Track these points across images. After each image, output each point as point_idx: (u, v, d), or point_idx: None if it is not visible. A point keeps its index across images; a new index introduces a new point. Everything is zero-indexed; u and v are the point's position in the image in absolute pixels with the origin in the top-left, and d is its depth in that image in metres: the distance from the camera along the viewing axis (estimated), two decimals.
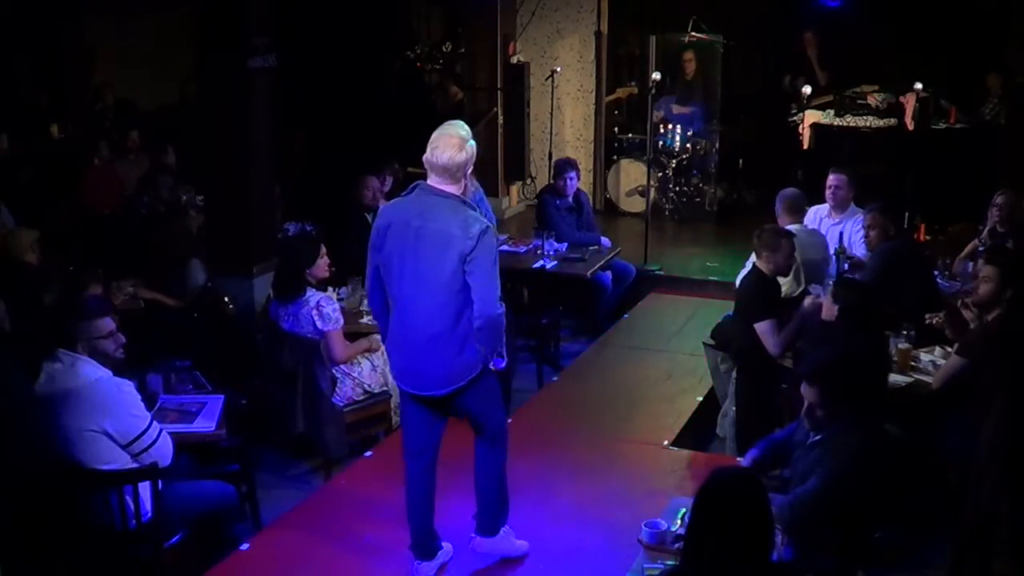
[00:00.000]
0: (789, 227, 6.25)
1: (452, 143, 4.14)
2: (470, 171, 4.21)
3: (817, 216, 7.08)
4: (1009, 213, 6.74)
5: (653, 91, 9.48)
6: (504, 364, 4.36)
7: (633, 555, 4.02)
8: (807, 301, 5.70)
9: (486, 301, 4.09)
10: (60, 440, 4.32)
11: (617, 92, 11.64)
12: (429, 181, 4.18)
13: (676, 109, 11.03)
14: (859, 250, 6.76)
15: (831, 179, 7.10)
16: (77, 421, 4.30)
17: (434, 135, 4.19)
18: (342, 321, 5.94)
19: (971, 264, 6.55)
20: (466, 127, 4.27)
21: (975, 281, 5.44)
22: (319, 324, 5.79)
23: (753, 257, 5.90)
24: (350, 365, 5.95)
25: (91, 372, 4.39)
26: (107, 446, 4.34)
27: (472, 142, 4.19)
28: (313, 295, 5.83)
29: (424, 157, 4.17)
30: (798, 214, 6.65)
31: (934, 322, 5.69)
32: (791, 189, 6.84)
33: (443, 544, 4.55)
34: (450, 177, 4.14)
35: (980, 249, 6.71)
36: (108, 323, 4.56)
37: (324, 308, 5.81)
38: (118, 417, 4.35)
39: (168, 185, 8.20)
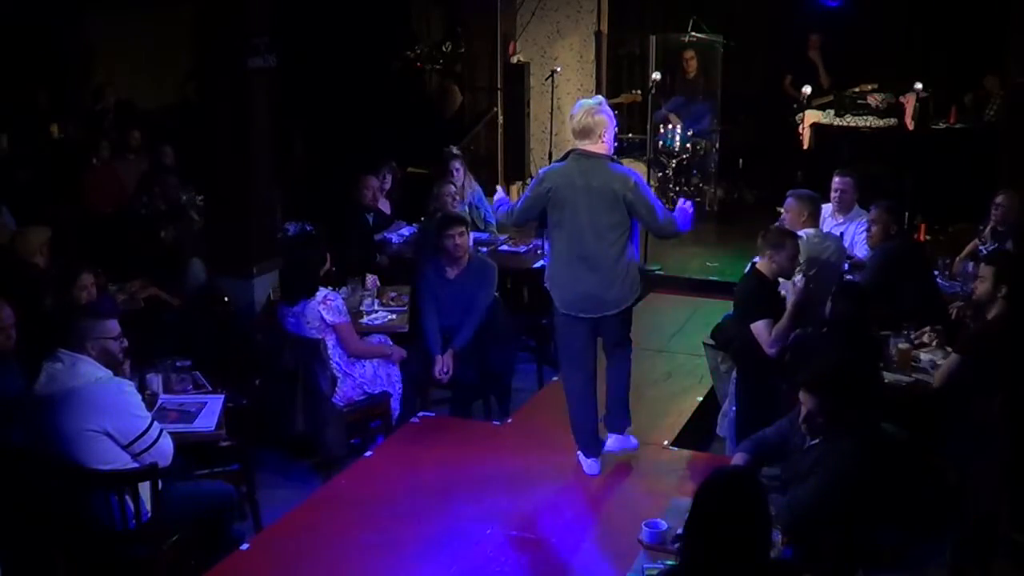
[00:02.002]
0: (802, 231, 6.21)
1: (583, 109, 5.01)
2: (611, 134, 5.03)
3: (821, 217, 7.06)
4: (1009, 213, 6.74)
5: (653, 91, 9.48)
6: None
7: (633, 555, 4.02)
8: (796, 285, 5.60)
9: (655, 220, 5.04)
10: (60, 440, 4.32)
11: (620, 97, 11.60)
12: (578, 146, 5.04)
13: (683, 108, 11.04)
14: (860, 251, 6.75)
15: (837, 182, 7.07)
16: (77, 421, 4.30)
17: (573, 107, 5.12)
18: (349, 316, 5.97)
19: (971, 264, 6.56)
20: (601, 98, 5.17)
21: (975, 282, 5.45)
22: (328, 317, 5.81)
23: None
24: (352, 365, 5.96)
25: (92, 372, 4.39)
26: (107, 446, 4.33)
27: (604, 111, 5.00)
28: (320, 292, 5.87)
29: (570, 127, 5.11)
30: (814, 217, 6.58)
31: (925, 337, 5.68)
32: (805, 190, 6.73)
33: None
34: (590, 139, 4.99)
35: (980, 249, 6.71)
36: (116, 325, 4.56)
37: (332, 302, 5.85)
38: (119, 417, 4.35)
39: (173, 185, 8.21)
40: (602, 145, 5.01)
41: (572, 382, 5.28)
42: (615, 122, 5.10)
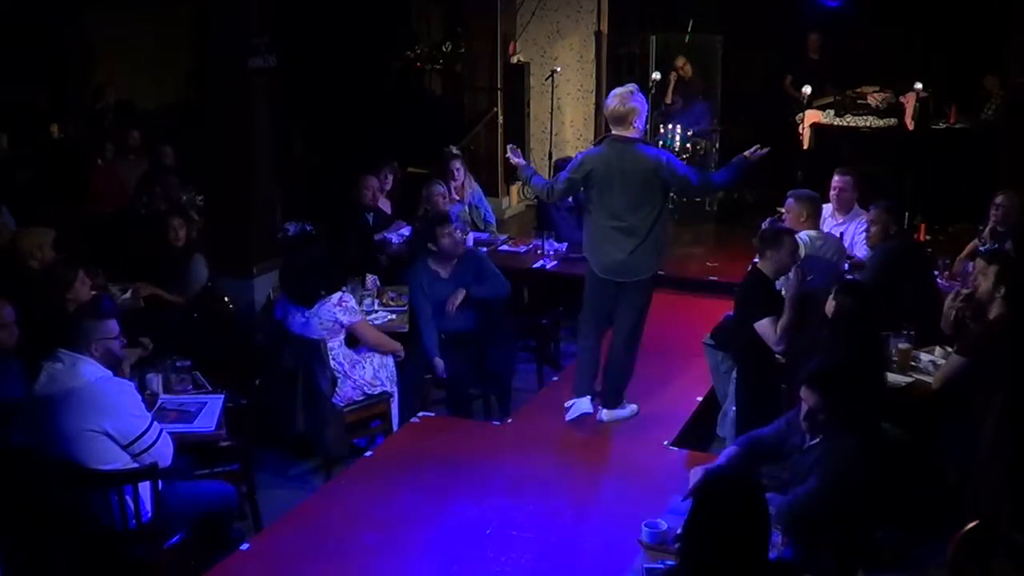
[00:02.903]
0: (803, 233, 6.21)
1: (616, 96, 5.53)
2: (641, 120, 5.55)
3: (821, 217, 7.05)
4: (1009, 213, 6.73)
5: (653, 91, 9.48)
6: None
7: (633, 555, 4.02)
8: (789, 278, 5.63)
9: (692, 186, 5.71)
10: (60, 440, 4.31)
11: None
12: (612, 131, 5.60)
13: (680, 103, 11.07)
14: (860, 251, 6.75)
15: (836, 181, 7.07)
16: (77, 421, 4.30)
17: (607, 96, 5.67)
18: (362, 314, 6.04)
19: (971, 264, 6.55)
20: (634, 86, 5.62)
21: (975, 279, 5.44)
22: (344, 318, 5.84)
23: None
24: (353, 367, 5.95)
25: (92, 372, 4.39)
26: (107, 446, 4.33)
27: (636, 100, 5.49)
28: (334, 293, 5.89)
29: (605, 114, 5.73)
30: (814, 218, 6.58)
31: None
32: (805, 191, 6.74)
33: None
34: (623, 125, 5.53)
35: (980, 249, 6.70)
36: (116, 325, 4.56)
37: (347, 303, 5.90)
38: (118, 417, 4.35)
39: (173, 185, 8.22)
40: (634, 130, 5.54)
41: (588, 337, 5.87)
42: (647, 107, 5.62)
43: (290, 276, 6.24)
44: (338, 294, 5.90)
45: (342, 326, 5.89)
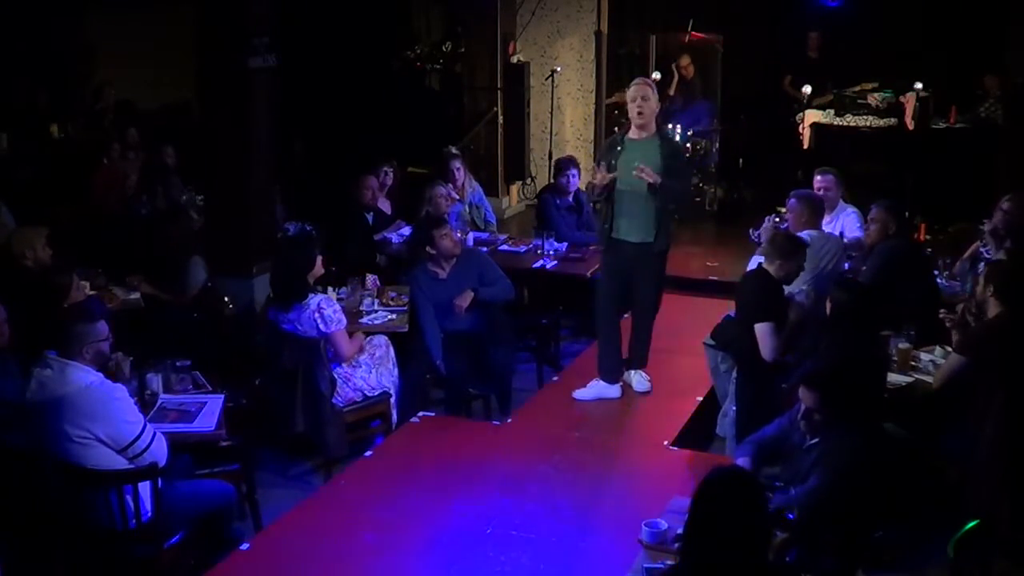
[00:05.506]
0: (804, 232, 6.21)
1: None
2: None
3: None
4: (1013, 218, 6.65)
5: None
6: None
7: (633, 555, 4.02)
8: (797, 301, 5.66)
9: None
10: (56, 446, 4.29)
11: (616, 96, 11.62)
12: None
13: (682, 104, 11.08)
14: (851, 232, 6.76)
15: (819, 181, 7.05)
16: (70, 428, 4.27)
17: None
18: (344, 321, 5.95)
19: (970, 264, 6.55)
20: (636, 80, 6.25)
21: (978, 278, 5.45)
22: (322, 327, 5.78)
23: (757, 257, 5.90)
24: (352, 369, 5.95)
25: (82, 378, 4.35)
26: (102, 451, 4.31)
27: (631, 88, 6.11)
28: (313, 298, 5.82)
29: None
30: (816, 217, 6.58)
31: (947, 322, 5.66)
32: (808, 191, 6.74)
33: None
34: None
35: (982, 250, 6.68)
36: (105, 326, 4.53)
37: (325, 310, 5.80)
38: (109, 423, 4.32)
39: (178, 186, 8.22)
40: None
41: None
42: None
43: (271, 278, 6.20)
44: (316, 299, 5.82)
45: (322, 334, 5.82)
